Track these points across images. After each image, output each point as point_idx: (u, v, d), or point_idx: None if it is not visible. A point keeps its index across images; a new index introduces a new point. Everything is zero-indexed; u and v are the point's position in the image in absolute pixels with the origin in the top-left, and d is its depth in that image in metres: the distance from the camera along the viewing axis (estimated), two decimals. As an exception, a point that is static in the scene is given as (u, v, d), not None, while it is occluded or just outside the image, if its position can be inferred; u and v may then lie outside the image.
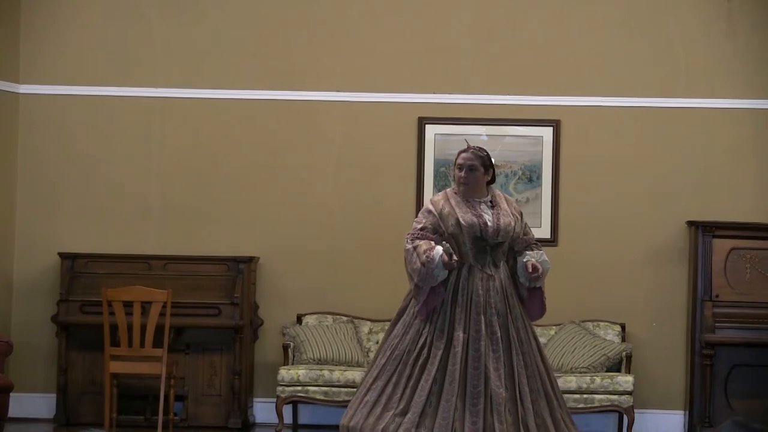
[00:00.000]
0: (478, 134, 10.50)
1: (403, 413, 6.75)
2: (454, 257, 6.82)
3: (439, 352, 6.82)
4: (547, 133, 10.55)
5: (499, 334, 6.84)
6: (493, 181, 7.12)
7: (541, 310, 7.12)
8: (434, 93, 10.60)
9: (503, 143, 10.55)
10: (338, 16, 10.64)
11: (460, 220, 6.92)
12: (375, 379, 6.94)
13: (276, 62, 10.63)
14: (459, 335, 6.82)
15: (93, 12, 10.68)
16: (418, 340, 6.89)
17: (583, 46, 10.57)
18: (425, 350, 6.85)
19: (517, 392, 6.79)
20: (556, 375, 9.74)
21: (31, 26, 10.65)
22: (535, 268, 6.95)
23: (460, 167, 7.04)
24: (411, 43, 10.61)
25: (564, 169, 10.55)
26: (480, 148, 7.11)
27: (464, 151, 7.08)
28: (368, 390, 6.93)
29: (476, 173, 7.02)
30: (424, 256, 6.83)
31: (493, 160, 7.15)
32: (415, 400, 6.76)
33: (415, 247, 6.91)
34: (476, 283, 6.90)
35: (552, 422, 6.85)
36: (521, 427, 6.73)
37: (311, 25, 10.64)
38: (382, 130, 10.61)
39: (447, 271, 6.85)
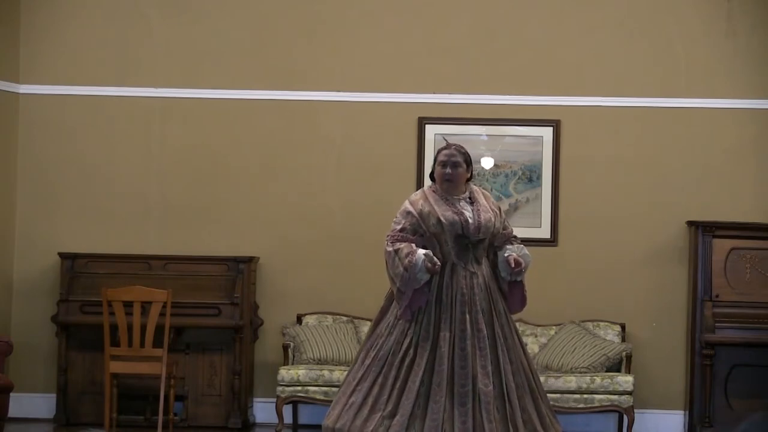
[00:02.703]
0: (478, 134, 10.50)
1: (392, 415, 6.72)
2: (437, 263, 6.76)
3: (426, 353, 6.78)
4: (547, 133, 10.55)
5: (485, 332, 6.81)
6: (471, 177, 7.11)
7: (522, 303, 7.07)
8: (434, 93, 10.60)
9: (503, 143, 10.55)
10: (338, 16, 10.64)
11: (441, 218, 6.88)
12: (360, 381, 6.89)
13: (276, 62, 10.64)
14: (445, 335, 6.79)
15: (93, 12, 10.68)
16: (403, 341, 6.84)
17: (583, 46, 10.57)
18: (411, 351, 6.81)
19: (504, 389, 6.76)
20: (555, 375, 9.79)
21: (31, 26, 10.65)
22: (517, 263, 6.91)
23: (444, 164, 6.99)
24: (411, 43, 10.61)
25: (564, 169, 10.55)
26: (460, 145, 7.10)
27: (445, 148, 7.04)
28: (353, 391, 6.88)
29: (460, 169, 6.98)
30: (407, 261, 6.78)
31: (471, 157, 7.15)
32: (403, 402, 6.73)
33: (396, 251, 6.84)
34: (460, 281, 6.87)
35: (537, 417, 6.83)
36: (509, 423, 6.71)
37: (311, 25, 10.65)
38: (382, 130, 10.61)
39: (429, 275, 6.80)
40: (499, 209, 7.08)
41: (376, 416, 6.74)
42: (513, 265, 6.90)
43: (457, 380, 6.72)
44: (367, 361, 6.92)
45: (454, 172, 6.97)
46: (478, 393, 6.71)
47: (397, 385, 6.77)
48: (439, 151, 7.05)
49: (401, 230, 6.92)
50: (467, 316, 6.82)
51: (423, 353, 6.78)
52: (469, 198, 7.00)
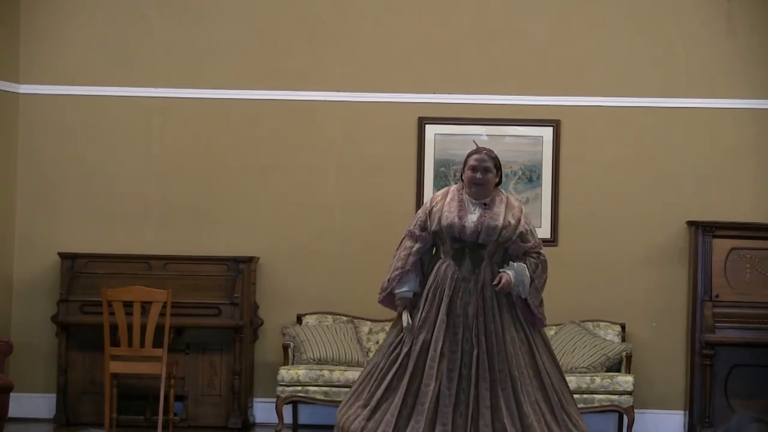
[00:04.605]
0: (478, 134, 10.50)
1: (365, 406, 6.88)
2: (401, 312, 6.99)
3: (405, 349, 6.90)
4: (547, 133, 10.56)
5: (460, 336, 6.85)
6: (499, 182, 7.12)
7: (534, 319, 7.01)
8: (434, 93, 10.60)
9: (503, 143, 10.54)
10: (338, 16, 10.64)
11: (441, 219, 6.95)
12: (363, 371, 7.11)
13: (276, 62, 10.63)
14: (422, 334, 6.89)
15: (93, 12, 10.68)
16: (401, 336, 6.98)
17: (583, 46, 10.57)
18: (398, 347, 6.95)
19: (471, 395, 6.79)
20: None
21: (31, 26, 10.65)
22: (498, 282, 6.90)
23: (474, 168, 6.99)
24: (411, 43, 10.61)
25: (564, 169, 10.55)
26: (490, 149, 7.13)
27: (476, 152, 7.06)
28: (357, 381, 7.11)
29: (489, 175, 7.00)
30: (395, 273, 7.00)
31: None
32: (377, 394, 6.87)
33: (396, 256, 7.06)
34: (447, 283, 6.93)
35: (520, 428, 6.78)
36: (470, 428, 6.73)
37: (311, 25, 10.64)
38: (382, 130, 10.61)
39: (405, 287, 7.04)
40: (519, 221, 6.99)
41: (356, 405, 6.92)
42: (494, 282, 6.91)
43: (424, 380, 6.81)
44: (374, 354, 7.18)
45: (484, 177, 6.99)
46: (440, 395, 6.79)
47: (378, 378, 6.91)
48: (469, 155, 7.08)
49: (414, 225, 7.08)
50: (446, 317, 6.88)
51: (404, 349, 6.92)
52: (485, 204, 6.99)
